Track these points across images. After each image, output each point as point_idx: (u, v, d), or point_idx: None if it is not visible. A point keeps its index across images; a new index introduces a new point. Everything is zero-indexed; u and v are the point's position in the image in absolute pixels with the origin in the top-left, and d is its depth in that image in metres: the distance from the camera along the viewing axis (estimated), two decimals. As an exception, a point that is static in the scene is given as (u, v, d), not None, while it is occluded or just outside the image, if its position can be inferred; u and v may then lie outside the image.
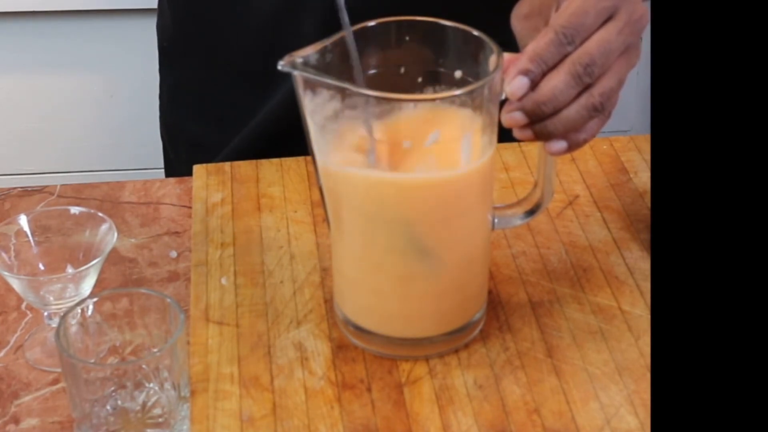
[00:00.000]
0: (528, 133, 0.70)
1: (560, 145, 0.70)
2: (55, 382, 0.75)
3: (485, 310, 0.77)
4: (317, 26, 0.94)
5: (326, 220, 0.73)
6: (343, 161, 0.70)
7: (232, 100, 1.03)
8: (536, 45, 0.67)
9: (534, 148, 0.75)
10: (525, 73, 0.67)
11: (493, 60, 0.69)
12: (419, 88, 0.73)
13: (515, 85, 0.67)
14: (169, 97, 1.10)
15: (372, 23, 0.71)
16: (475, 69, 0.71)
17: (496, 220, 0.75)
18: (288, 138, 0.90)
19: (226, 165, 0.92)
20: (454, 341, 0.74)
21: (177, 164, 1.10)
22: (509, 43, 0.75)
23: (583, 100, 0.68)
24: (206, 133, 1.06)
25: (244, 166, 0.92)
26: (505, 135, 0.74)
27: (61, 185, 0.94)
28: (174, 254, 0.86)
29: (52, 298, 0.75)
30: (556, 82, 0.67)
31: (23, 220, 0.79)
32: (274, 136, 1.00)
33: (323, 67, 0.68)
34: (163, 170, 1.18)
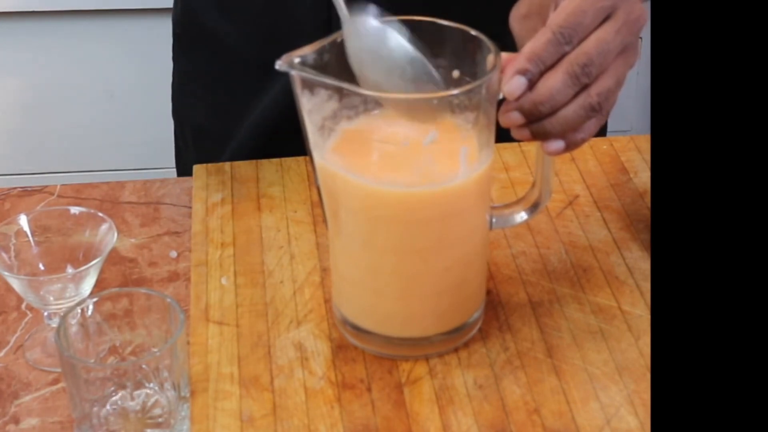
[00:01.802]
0: (525, 132, 0.70)
1: (558, 144, 0.70)
2: (55, 382, 0.75)
3: (483, 310, 0.77)
4: (309, 14, 0.95)
5: (324, 219, 0.73)
6: (341, 162, 0.70)
7: (232, 89, 1.03)
8: (534, 45, 0.67)
9: (534, 148, 0.75)
10: (522, 72, 0.67)
11: (490, 59, 0.69)
12: (418, 88, 0.73)
13: (513, 84, 0.67)
14: (178, 85, 1.11)
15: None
16: (472, 68, 0.71)
17: (494, 220, 0.75)
18: (292, 133, 0.90)
19: (226, 165, 0.93)
20: (453, 341, 0.74)
21: (185, 152, 1.12)
22: (507, 44, 0.75)
23: (581, 99, 0.68)
24: (210, 121, 1.06)
25: (244, 166, 0.92)
26: (504, 135, 0.74)
27: (61, 185, 0.94)
28: (174, 254, 0.86)
29: (52, 298, 0.75)
30: (553, 82, 0.67)
31: (23, 220, 0.79)
32: (278, 130, 1.00)
33: (321, 66, 0.68)
34: (163, 169, 1.18)
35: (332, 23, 0.96)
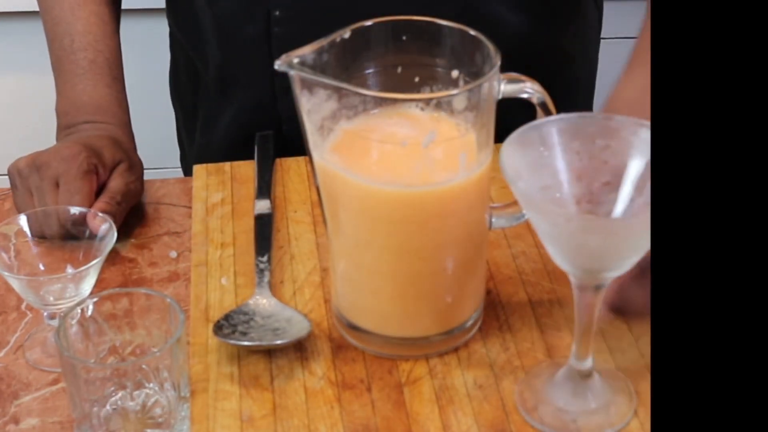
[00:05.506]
0: None
1: None
2: (55, 382, 0.75)
3: (483, 310, 0.77)
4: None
5: (324, 219, 0.74)
6: (340, 162, 0.70)
7: (207, 92, 1.04)
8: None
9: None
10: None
11: (489, 59, 0.69)
12: (416, 88, 0.73)
13: None
14: (173, 72, 1.16)
15: (369, 23, 0.71)
16: (471, 69, 0.71)
17: (493, 220, 0.75)
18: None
19: (226, 165, 0.93)
20: (452, 340, 0.74)
21: (183, 133, 1.13)
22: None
23: None
24: (200, 104, 1.08)
25: (244, 166, 0.92)
26: (504, 135, 0.74)
27: (62, 185, 0.94)
28: (174, 254, 0.86)
29: (52, 298, 0.75)
30: None
31: (23, 220, 0.79)
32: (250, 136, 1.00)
33: (320, 66, 0.68)
34: (163, 169, 1.19)
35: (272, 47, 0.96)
